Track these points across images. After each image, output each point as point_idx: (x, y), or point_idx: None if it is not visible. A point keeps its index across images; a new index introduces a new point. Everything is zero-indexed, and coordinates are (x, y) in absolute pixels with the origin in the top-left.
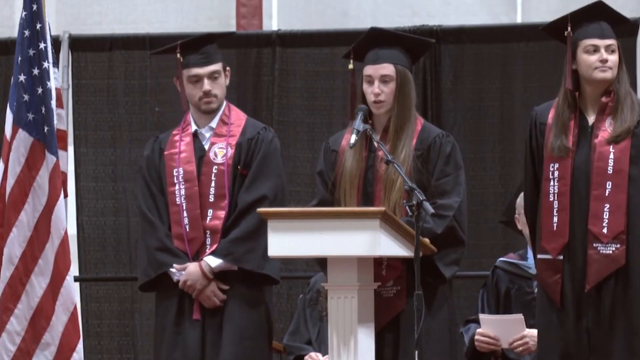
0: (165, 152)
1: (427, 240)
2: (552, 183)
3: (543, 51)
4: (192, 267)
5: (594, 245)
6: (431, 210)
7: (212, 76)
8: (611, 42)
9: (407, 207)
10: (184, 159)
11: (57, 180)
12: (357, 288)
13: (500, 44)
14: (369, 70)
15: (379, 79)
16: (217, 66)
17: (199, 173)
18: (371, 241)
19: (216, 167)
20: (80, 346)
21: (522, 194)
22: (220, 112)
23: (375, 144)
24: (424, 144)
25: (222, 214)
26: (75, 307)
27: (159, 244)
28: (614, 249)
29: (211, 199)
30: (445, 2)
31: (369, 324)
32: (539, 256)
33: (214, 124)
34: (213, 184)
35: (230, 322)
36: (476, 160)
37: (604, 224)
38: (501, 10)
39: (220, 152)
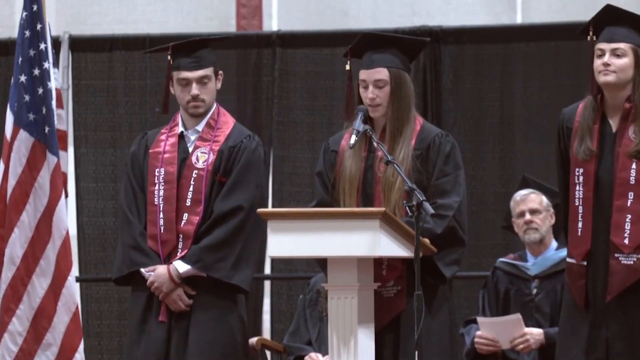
0: (150, 150)
1: (427, 240)
2: (577, 188)
3: (543, 51)
4: (161, 269)
5: (616, 255)
6: (431, 210)
7: (201, 81)
8: (618, 45)
9: (407, 208)
10: (167, 160)
11: (58, 180)
12: (357, 288)
13: (500, 44)
14: (363, 75)
15: (373, 83)
16: (207, 71)
17: (179, 176)
18: (371, 242)
19: (196, 171)
20: (81, 346)
21: (513, 197)
22: (208, 116)
23: (375, 144)
24: (423, 143)
25: (196, 219)
26: (76, 308)
27: (132, 242)
28: (635, 259)
29: (188, 203)
30: (445, 2)
31: (369, 325)
32: (567, 259)
33: (200, 127)
34: (191, 188)
35: (196, 328)
36: (476, 160)
37: (626, 235)
38: (501, 10)
39: (202, 157)
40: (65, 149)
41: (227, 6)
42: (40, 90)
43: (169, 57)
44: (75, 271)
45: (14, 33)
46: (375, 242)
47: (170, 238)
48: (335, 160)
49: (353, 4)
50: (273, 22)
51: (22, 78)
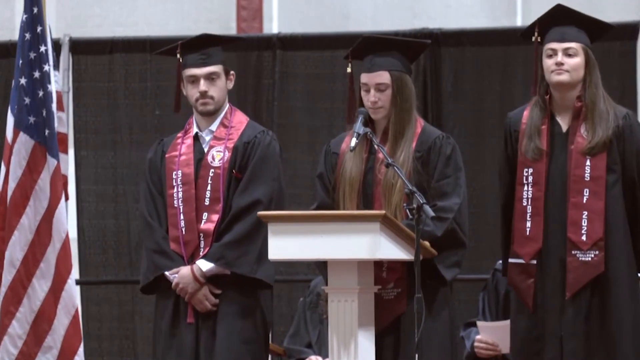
0: (167, 155)
1: (427, 243)
2: (525, 188)
3: None
4: (185, 270)
5: (573, 252)
6: (431, 213)
7: (209, 77)
8: (570, 45)
9: (407, 210)
10: (183, 162)
11: (58, 183)
12: (358, 291)
13: (500, 47)
14: (364, 78)
15: (375, 87)
16: (215, 68)
17: (196, 176)
18: (371, 244)
19: (213, 170)
20: (81, 349)
21: None
22: (222, 116)
23: (376, 147)
24: (424, 145)
25: (216, 217)
26: (76, 310)
27: (155, 246)
28: (592, 256)
29: (207, 202)
30: (446, 4)
31: (369, 327)
32: (510, 260)
33: (214, 127)
34: (209, 187)
35: (223, 326)
36: (476, 163)
37: (583, 232)
38: (501, 13)
39: (217, 156)
40: (65, 151)
41: (227, 9)
42: (41, 93)
43: (177, 56)
44: (75, 274)
45: (14, 36)
46: (375, 244)
47: (192, 238)
48: (336, 163)
49: (353, 6)
50: (273, 24)
51: (23, 80)
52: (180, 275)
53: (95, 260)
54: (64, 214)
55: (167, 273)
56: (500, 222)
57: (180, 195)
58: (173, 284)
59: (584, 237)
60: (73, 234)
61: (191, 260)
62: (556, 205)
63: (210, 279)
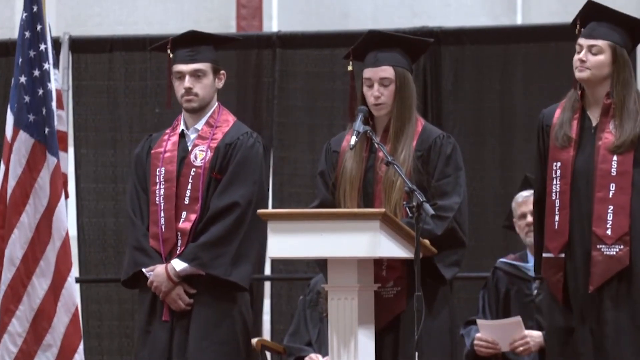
0: (152, 151)
1: (427, 241)
2: (554, 182)
3: (543, 52)
4: (159, 268)
5: (598, 246)
6: (431, 211)
7: (195, 74)
8: (595, 42)
9: (407, 209)
10: (167, 159)
11: (58, 181)
12: (357, 289)
13: (500, 45)
14: (368, 73)
15: (379, 81)
16: (201, 65)
17: (178, 174)
18: (371, 242)
19: (194, 169)
20: (81, 347)
21: (515, 198)
22: (208, 115)
23: (376, 145)
24: (425, 144)
25: (194, 216)
26: (76, 309)
27: (136, 243)
28: (617, 250)
29: (186, 201)
30: (446, 3)
31: (369, 325)
32: (543, 255)
33: (199, 125)
34: (190, 186)
35: (197, 326)
36: (476, 162)
37: (608, 226)
38: (501, 12)
39: (200, 155)
40: (65, 149)
41: (227, 7)
42: (40, 91)
43: (168, 51)
44: (75, 272)
45: (14, 34)
46: (375, 242)
47: (170, 236)
48: (337, 161)
49: (353, 5)
50: (273, 23)
51: (22, 79)
52: (155, 273)
53: (95, 259)
54: (63, 212)
55: (144, 270)
56: (534, 218)
57: (162, 192)
58: (148, 281)
59: (609, 232)
60: (73, 232)
61: (169, 258)
62: (582, 199)
63: (186, 279)
